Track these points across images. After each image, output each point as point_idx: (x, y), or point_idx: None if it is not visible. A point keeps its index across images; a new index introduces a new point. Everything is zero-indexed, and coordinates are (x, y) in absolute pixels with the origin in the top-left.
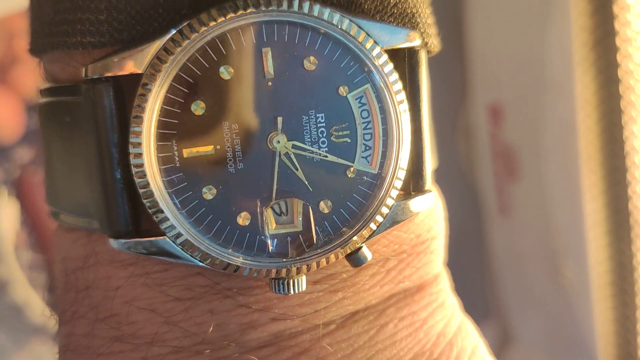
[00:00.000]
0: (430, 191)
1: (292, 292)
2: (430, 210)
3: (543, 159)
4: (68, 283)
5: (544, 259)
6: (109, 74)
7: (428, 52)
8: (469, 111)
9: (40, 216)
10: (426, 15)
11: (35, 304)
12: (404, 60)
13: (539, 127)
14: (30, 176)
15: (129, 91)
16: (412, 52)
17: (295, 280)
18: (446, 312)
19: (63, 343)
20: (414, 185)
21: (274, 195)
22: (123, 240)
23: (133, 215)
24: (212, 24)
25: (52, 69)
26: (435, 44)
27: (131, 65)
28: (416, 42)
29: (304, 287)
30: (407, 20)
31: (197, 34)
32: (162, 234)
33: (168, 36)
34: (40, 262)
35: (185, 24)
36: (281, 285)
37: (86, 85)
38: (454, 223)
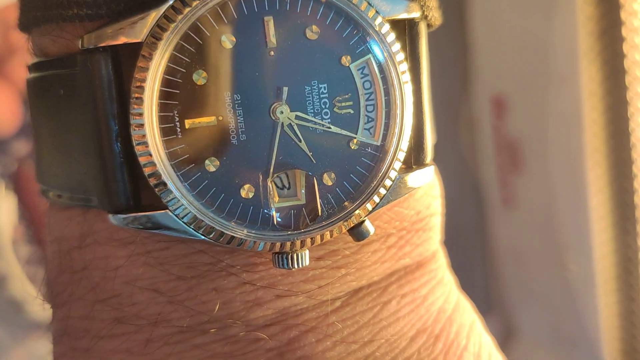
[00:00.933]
0: (431, 165)
1: (295, 266)
2: (428, 187)
3: (547, 152)
4: (62, 264)
5: (548, 252)
6: (107, 44)
7: (429, 25)
8: (472, 103)
9: (39, 210)
10: None
11: (33, 299)
12: (404, 32)
13: (543, 119)
14: (28, 169)
15: (126, 61)
16: (412, 24)
17: (299, 254)
18: (445, 289)
19: (59, 327)
20: (415, 158)
21: (274, 167)
22: (123, 216)
23: (133, 190)
24: None
25: (43, 43)
26: (436, 17)
27: (130, 34)
28: (416, 13)
29: (307, 261)
30: None
31: (198, 2)
32: (164, 208)
33: (168, 4)
34: (39, 257)
35: None
36: (285, 260)
37: (82, 56)
38: (457, 216)
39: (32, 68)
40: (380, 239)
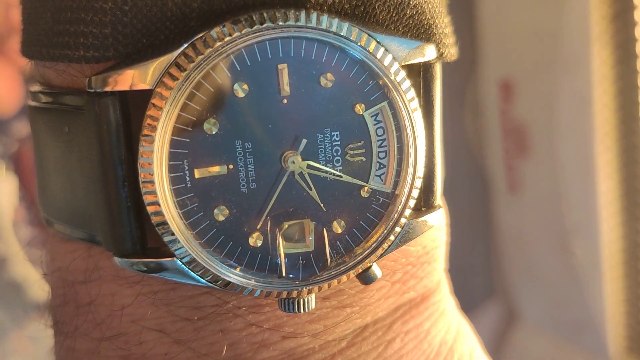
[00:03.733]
0: (440, 207)
1: (301, 311)
2: None
3: (556, 136)
4: (67, 295)
5: (554, 237)
6: (116, 89)
7: (444, 61)
8: (479, 86)
9: None
10: (443, 24)
11: (34, 281)
12: (418, 73)
13: (552, 103)
14: (29, 150)
15: (134, 104)
16: (427, 66)
17: (305, 300)
18: (447, 319)
19: (64, 356)
20: (424, 201)
21: (283, 215)
22: (130, 260)
23: (140, 234)
24: (227, 38)
25: (46, 73)
26: (452, 53)
27: (139, 80)
28: (432, 55)
29: (313, 305)
30: (422, 32)
31: (211, 49)
32: (170, 253)
33: (179, 50)
34: (39, 239)
35: (197, 37)
36: (291, 305)
37: (89, 97)
38: (461, 200)
39: (34, 96)
40: (385, 276)
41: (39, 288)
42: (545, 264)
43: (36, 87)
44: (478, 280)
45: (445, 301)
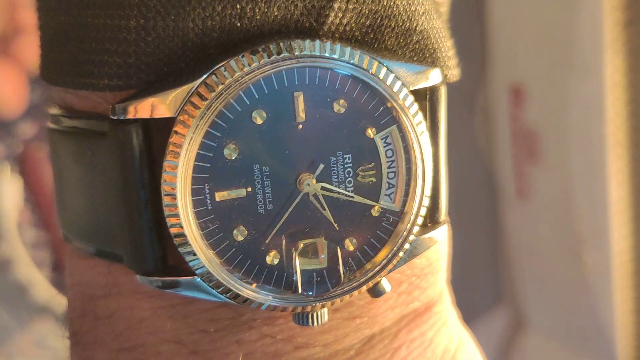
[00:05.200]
0: (445, 223)
1: (315, 324)
2: None
3: (567, 143)
4: (85, 308)
5: (564, 245)
6: (139, 117)
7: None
8: (489, 91)
9: (44, 193)
10: (447, 48)
11: (38, 283)
12: (424, 97)
13: (563, 109)
14: (34, 152)
15: (157, 130)
16: (433, 90)
17: (318, 313)
18: (449, 329)
19: None
20: (430, 217)
21: (298, 234)
22: (152, 279)
23: (161, 253)
24: (247, 69)
25: (67, 98)
26: (454, 74)
27: (162, 108)
28: (438, 79)
29: (325, 319)
30: (427, 55)
31: (231, 79)
32: (191, 271)
33: (200, 80)
34: (44, 240)
35: (216, 67)
36: (304, 319)
37: (112, 124)
38: (470, 205)
39: (54, 119)
40: (392, 288)
41: (43, 290)
42: (554, 271)
43: (56, 110)
44: (486, 286)
45: (448, 311)
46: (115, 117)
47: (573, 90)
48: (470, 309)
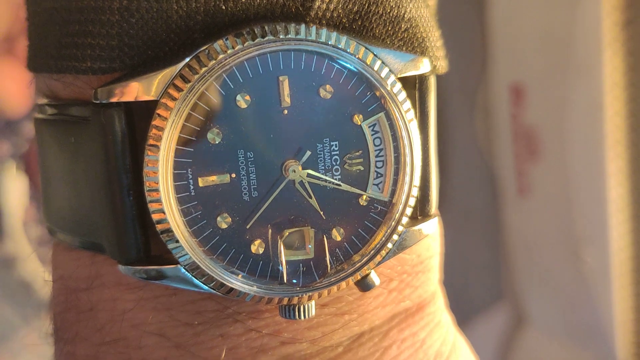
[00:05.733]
0: (436, 216)
1: (301, 318)
2: None
3: (567, 142)
4: (68, 302)
5: (564, 243)
6: (122, 100)
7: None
8: (489, 90)
9: None
10: (435, 38)
11: (44, 280)
12: (413, 86)
13: (563, 109)
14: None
15: (139, 115)
16: (422, 79)
17: (305, 306)
18: (442, 331)
19: None
20: (420, 209)
21: (284, 222)
22: (134, 267)
23: (144, 242)
24: (230, 51)
25: (53, 86)
26: (443, 65)
27: (144, 91)
28: (427, 68)
29: (313, 312)
30: (416, 45)
31: (214, 62)
32: (174, 260)
33: (183, 62)
34: (49, 238)
35: (200, 50)
36: (291, 311)
37: (95, 108)
38: (471, 203)
39: (41, 108)
40: (382, 284)
41: (48, 288)
42: (554, 269)
43: (42, 100)
44: (487, 283)
45: (441, 313)
46: (98, 101)
47: (572, 90)
48: (471, 306)
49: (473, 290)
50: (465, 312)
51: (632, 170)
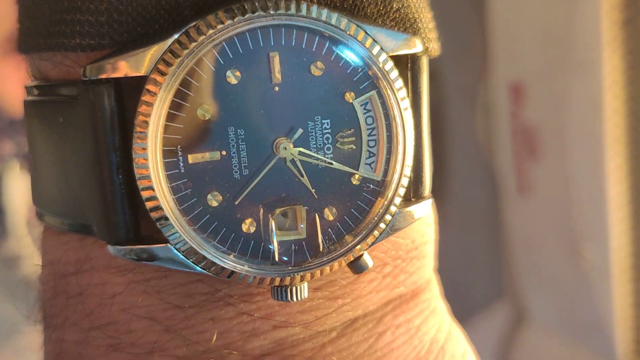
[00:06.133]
0: (429, 198)
1: (294, 299)
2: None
3: (566, 140)
4: (57, 287)
5: (564, 240)
6: (110, 76)
7: (428, 56)
8: (489, 88)
9: None
10: (427, 20)
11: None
12: (406, 66)
13: (562, 107)
14: None
15: (129, 92)
16: (414, 58)
17: (298, 288)
18: (437, 318)
19: (52, 349)
20: (413, 191)
21: (276, 201)
22: (123, 248)
23: (133, 222)
24: (220, 26)
25: (43, 66)
26: (435, 48)
27: (133, 67)
28: (419, 48)
29: (305, 294)
30: (408, 26)
31: (204, 37)
32: (164, 240)
33: (172, 38)
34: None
35: (190, 26)
36: (284, 293)
37: (84, 85)
38: (471, 201)
39: (30, 90)
40: (376, 268)
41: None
42: (554, 266)
43: (32, 82)
44: (487, 281)
45: (436, 301)
46: (87, 78)
47: (572, 88)
48: (472, 304)
49: (473, 288)
50: (465, 310)
51: (631, 168)
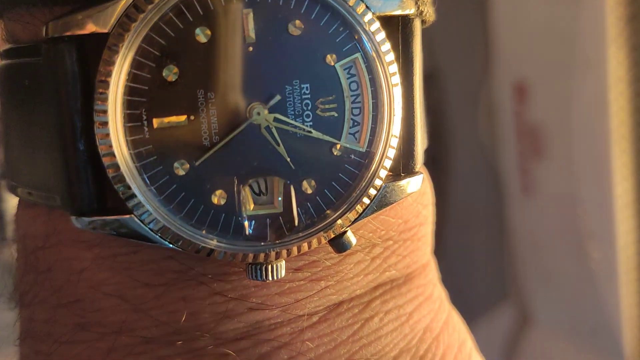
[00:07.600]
0: (420, 173)
1: (270, 278)
2: (418, 194)
3: (571, 139)
4: (28, 263)
5: (569, 240)
6: (72, 33)
7: (423, 21)
8: (493, 88)
9: None
10: None
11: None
12: (397, 29)
13: (567, 105)
14: None
15: (93, 53)
16: (406, 21)
17: (274, 266)
18: (433, 306)
19: (24, 328)
20: (404, 166)
21: (249, 172)
22: (86, 219)
23: (98, 192)
24: None
25: (14, 29)
26: (430, 12)
27: (96, 23)
28: (411, 9)
29: (282, 273)
30: None
31: None
32: (130, 212)
33: None
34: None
35: None
36: (259, 271)
37: (46, 45)
38: (475, 201)
39: (3, 54)
40: (364, 250)
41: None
42: (559, 267)
43: (4, 46)
44: (492, 282)
45: (432, 287)
46: (49, 37)
47: (576, 86)
48: (476, 306)
49: (478, 289)
50: (469, 311)
51: (637, 166)
